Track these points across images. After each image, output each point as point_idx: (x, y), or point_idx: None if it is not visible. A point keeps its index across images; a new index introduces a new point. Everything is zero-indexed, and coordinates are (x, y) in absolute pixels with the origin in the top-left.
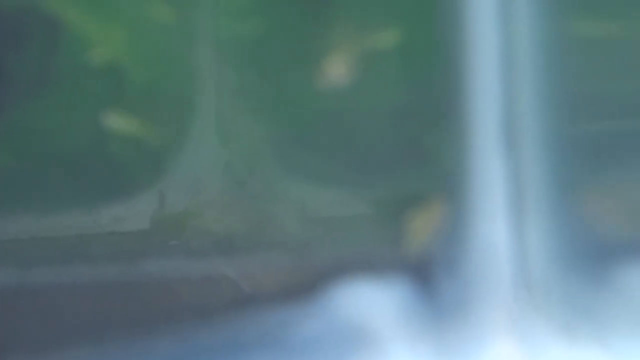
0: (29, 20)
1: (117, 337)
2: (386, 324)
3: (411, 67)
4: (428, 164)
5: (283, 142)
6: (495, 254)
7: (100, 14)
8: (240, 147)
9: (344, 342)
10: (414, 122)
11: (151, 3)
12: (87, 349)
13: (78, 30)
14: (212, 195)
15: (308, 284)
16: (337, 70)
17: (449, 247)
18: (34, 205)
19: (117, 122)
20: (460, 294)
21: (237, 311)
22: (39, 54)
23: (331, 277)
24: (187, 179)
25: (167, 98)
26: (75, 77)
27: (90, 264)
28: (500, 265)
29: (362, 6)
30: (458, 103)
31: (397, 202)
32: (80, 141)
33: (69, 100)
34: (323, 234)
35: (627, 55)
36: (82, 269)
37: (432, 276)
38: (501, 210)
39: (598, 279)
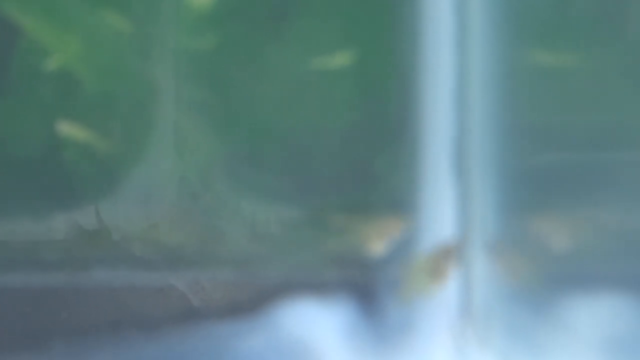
0: None
1: (62, 344)
2: (329, 343)
3: (365, 87)
4: (378, 185)
5: (236, 158)
6: None
7: (56, 21)
8: (195, 161)
9: (287, 358)
10: (365, 142)
11: (108, 13)
12: (31, 353)
13: (34, 35)
14: (165, 208)
15: (255, 299)
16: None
17: (395, 270)
18: None
19: (70, 130)
20: (404, 317)
21: (183, 323)
22: None
23: (278, 295)
24: (141, 190)
25: (123, 108)
26: (30, 83)
27: (39, 270)
28: (444, 290)
29: (318, 25)
30: (410, 126)
31: (346, 222)
32: (33, 148)
33: (22, 106)
34: (271, 252)
35: (582, 86)
36: (31, 275)
37: (377, 298)
38: (447, 236)
39: (540, 308)
